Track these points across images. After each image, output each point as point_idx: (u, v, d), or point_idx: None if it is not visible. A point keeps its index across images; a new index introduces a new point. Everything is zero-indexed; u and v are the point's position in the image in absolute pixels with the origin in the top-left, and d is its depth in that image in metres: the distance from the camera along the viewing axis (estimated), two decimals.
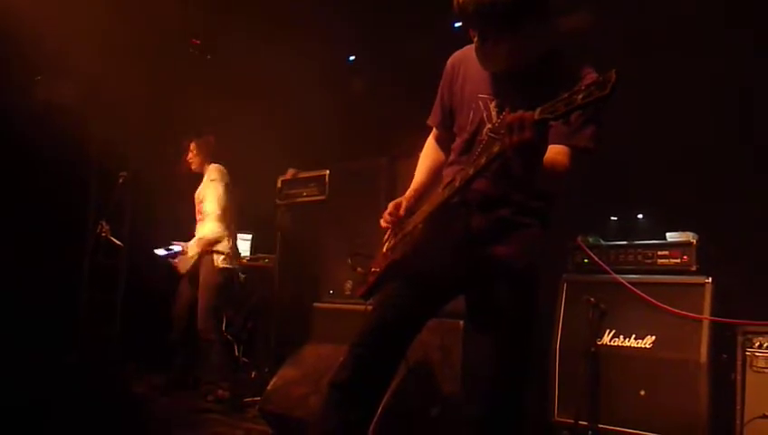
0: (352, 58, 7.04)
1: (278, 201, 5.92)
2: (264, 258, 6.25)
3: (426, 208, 2.56)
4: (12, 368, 3.95)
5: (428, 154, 2.87)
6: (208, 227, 5.39)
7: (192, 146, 5.63)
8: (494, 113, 2.46)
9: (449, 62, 2.70)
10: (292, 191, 5.84)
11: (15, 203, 5.61)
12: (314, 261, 5.46)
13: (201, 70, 6.68)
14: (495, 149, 2.13)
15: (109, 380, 4.60)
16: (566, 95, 1.87)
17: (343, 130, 6.15)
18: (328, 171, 5.56)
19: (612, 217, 4.93)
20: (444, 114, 2.74)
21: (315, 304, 5.18)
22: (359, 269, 3.11)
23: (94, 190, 6.30)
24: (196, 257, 5.38)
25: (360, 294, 2.79)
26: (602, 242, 4.32)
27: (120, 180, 6.04)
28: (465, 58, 2.61)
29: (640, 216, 4.89)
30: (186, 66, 6.59)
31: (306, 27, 5.84)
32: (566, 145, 2.28)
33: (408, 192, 2.79)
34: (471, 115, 2.53)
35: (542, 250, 2.56)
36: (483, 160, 2.21)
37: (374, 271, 2.76)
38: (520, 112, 1.97)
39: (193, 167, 5.65)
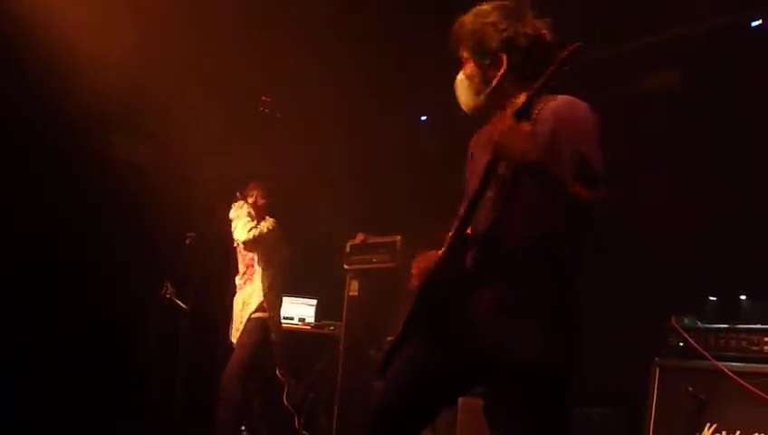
0: (424, 118, 6.79)
1: (346, 266, 5.76)
2: (330, 325, 6.07)
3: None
4: None
5: None
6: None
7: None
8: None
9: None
10: (361, 257, 5.66)
11: (84, 263, 5.54)
12: (383, 332, 5.11)
13: (270, 128, 6.58)
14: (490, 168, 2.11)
15: None
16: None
17: (418, 194, 5.98)
18: (399, 237, 5.38)
19: (711, 297, 4.49)
20: None
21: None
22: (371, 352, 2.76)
23: (164, 251, 6.09)
24: None
25: (379, 369, 2.42)
26: (700, 324, 3.95)
27: (188, 241, 5.63)
28: (475, 137, 2.46)
29: (743, 296, 4.41)
30: (254, 124, 6.51)
31: (375, 83, 5.72)
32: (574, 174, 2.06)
33: None
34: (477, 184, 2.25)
35: (574, 344, 2.17)
36: (476, 186, 2.14)
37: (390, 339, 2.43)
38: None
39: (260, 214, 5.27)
